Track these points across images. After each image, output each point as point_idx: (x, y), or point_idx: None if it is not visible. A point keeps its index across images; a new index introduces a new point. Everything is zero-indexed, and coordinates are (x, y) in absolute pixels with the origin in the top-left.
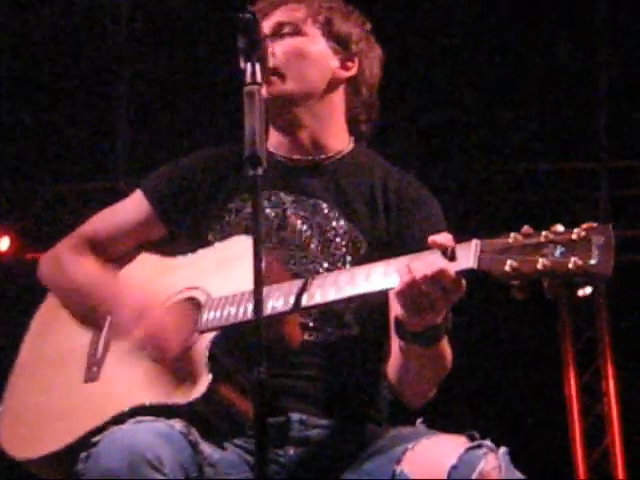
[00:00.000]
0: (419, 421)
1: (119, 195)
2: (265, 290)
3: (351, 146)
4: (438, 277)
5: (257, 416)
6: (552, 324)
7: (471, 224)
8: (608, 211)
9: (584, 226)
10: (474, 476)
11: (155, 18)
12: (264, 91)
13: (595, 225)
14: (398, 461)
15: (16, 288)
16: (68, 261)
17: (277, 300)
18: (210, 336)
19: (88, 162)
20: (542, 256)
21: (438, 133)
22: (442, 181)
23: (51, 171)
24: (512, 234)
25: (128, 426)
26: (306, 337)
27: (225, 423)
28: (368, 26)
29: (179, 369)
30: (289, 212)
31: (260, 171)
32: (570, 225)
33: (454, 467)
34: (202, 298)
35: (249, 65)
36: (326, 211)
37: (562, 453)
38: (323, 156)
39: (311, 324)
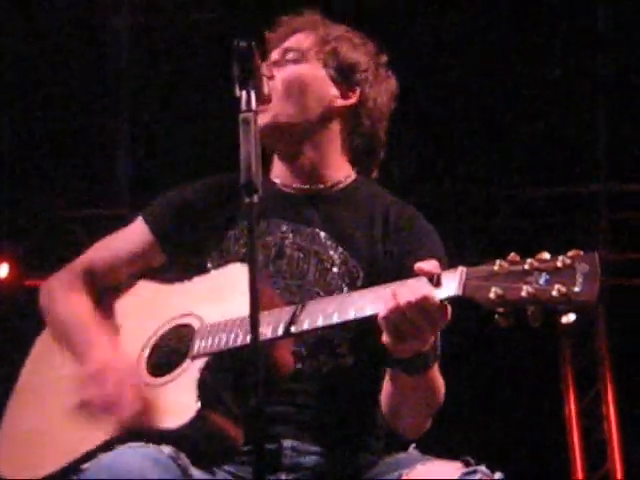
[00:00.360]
0: (412, 446)
1: (120, 221)
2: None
3: (352, 177)
4: (422, 303)
5: (254, 443)
6: (552, 347)
7: (469, 248)
8: (607, 234)
9: (570, 254)
10: None
11: (157, 43)
12: (259, 119)
13: (581, 253)
14: None
15: (15, 315)
16: (58, 297)
17: (266, 327)
18: (201, 362)
19: (89, 188)
20: (526, 283)
21: (435, 158)
22: (439, 205)
23: (51, 197)
24: (497, 261)
25: (116, 451)
26: (299, 366)
27: (215, 449)
28: (382, 58)
29: (169, 395)
30: (287, 241)
31: (256, 199)
32: (566, 249)
33: None
34: (196, 325)
35: (244, 93)
36: (323, 240)
37: (562, 477)
38: (322, 186)
39: (305, 353)
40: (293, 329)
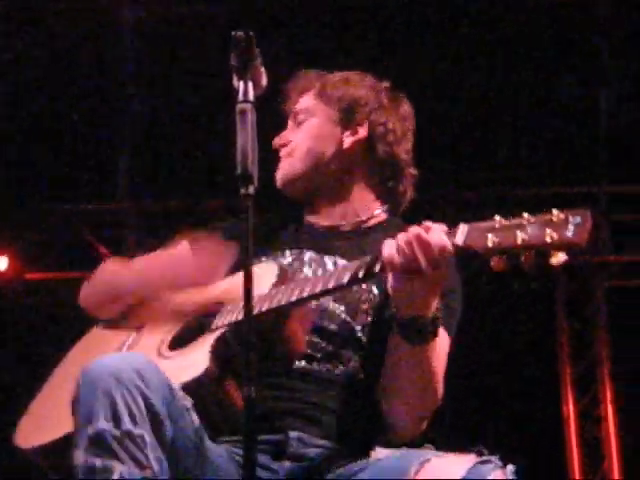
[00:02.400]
0: (426, 447)
1: (118, 215)
2: (274, 290)
3: (379, 216)
4: (425, 232)
5: (247, 432)
6: (552, 348)
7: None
8: (607, 236)
9: (565, 210)
10: None
11: (159, 42)
12: (279, 177)
13: (574, 209)
14: (406, 474)
15: (15, 307)
16: (124, 264)
17: (281, 295)
18: (217, 333)
19: (88, 184)
20: (521, 231)
21: (438, 156)
22: (440, 204)
23: (50, 192)
24: (497, 217)
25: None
26: (311, 367)
27: (220, 416)
28: (383, 86)
29: (184, 359)
30: (311, 266)
31: (251, 190)
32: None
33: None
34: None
35: (242, 83)
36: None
37: (560, 477)
38: (348, 223)
39: (318, 356)
40: (306, 293)
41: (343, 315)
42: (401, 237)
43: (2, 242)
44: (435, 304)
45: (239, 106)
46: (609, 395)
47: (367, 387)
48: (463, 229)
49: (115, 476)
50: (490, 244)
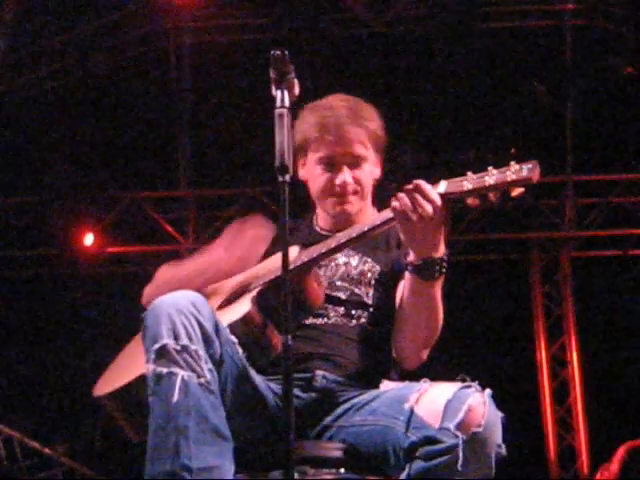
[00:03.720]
0: (423, 380)
1: (179, 201)
2: (299, 255)
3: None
4: (416, 185)
5: (285, 372)
6: (528, 307)
7: (463, 224)
8: (573, 216)
9: (519, 162)
10: (464, 408)
11: (213, 59)
12: (346, 207)
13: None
14: (408, 401)
15: (99, 276)
16: (178, 268)
17: (305, 256)
18: (257, 289)
19: (156, 174)
20: (489, 177)
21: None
22: None
23: (127, 182)
24: (469, 172)
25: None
26: (333, 320)
27: (259, 355)
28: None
29: (229, 309)
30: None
31: (287, 177)
32: (540, 229)
33: (449, 401)
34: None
35: (279, 92)
36: (351, 253)
37: (534, 409)
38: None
39: (336, 312)
40: (333, 244)
41: (350, 287)
42: (400, 193)
43: (89, 222)
44: (442, 250)
45: (277, 111)
46: (574, 344)
47: (374, 337)
48: (443, 182)
49: (178, 379)
50: (465, 189)
